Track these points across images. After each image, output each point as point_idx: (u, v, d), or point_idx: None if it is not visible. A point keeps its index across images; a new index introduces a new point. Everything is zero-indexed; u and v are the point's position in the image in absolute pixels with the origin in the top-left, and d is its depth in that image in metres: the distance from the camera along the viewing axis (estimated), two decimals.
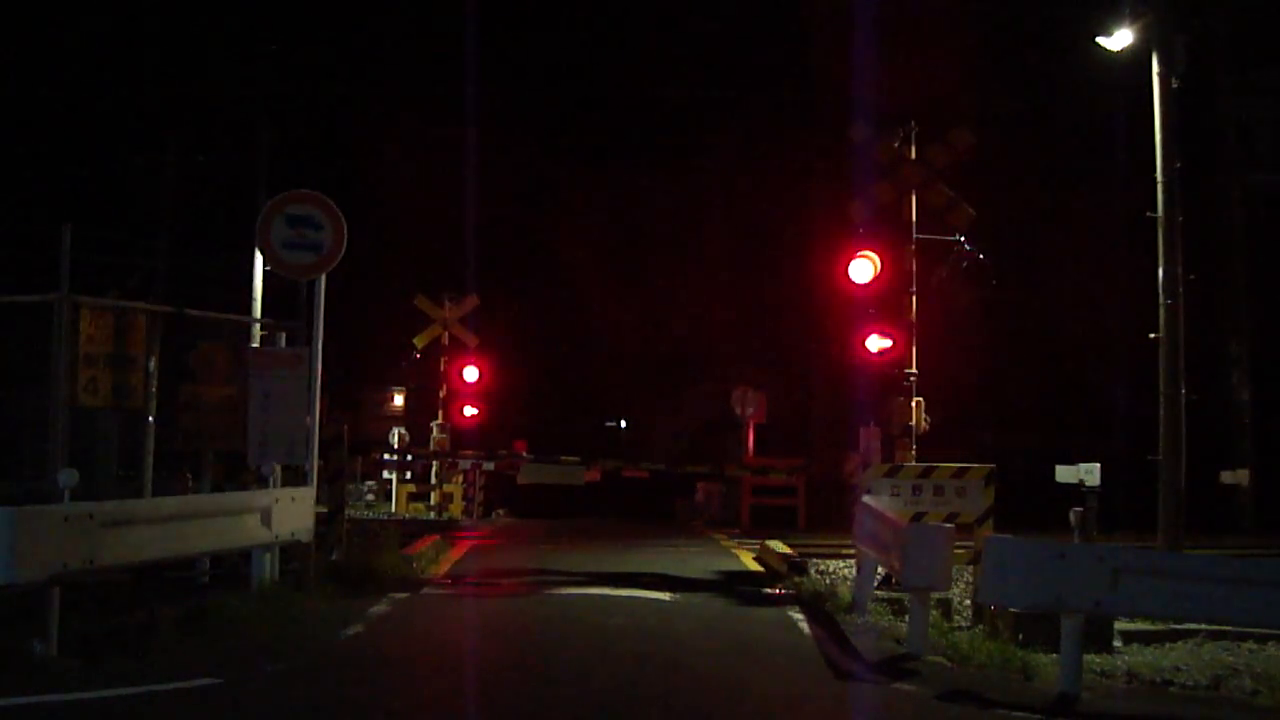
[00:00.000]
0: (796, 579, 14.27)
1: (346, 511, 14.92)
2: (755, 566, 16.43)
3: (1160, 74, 14.09)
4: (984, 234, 16.66)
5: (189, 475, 12.95)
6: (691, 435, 34.57)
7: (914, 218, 15.65)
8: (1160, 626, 10.96)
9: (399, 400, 33.38)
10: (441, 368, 27.97)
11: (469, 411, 28.77)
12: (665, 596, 13.27)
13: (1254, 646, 10.80)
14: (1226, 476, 21.73)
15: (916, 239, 15.64)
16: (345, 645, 10.05)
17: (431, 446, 25.81)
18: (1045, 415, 25.28)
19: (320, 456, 12.97)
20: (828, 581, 14.03)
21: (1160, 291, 13.96)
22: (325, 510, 13.56)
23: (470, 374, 28.02)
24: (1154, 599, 9.03)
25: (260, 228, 12.82)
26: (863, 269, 15.22)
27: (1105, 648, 10.33)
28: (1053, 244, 26.29)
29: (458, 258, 30.35)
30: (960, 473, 13.17)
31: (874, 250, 14.98)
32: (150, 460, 12.33)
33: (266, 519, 11.54)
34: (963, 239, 15.82)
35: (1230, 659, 10.32)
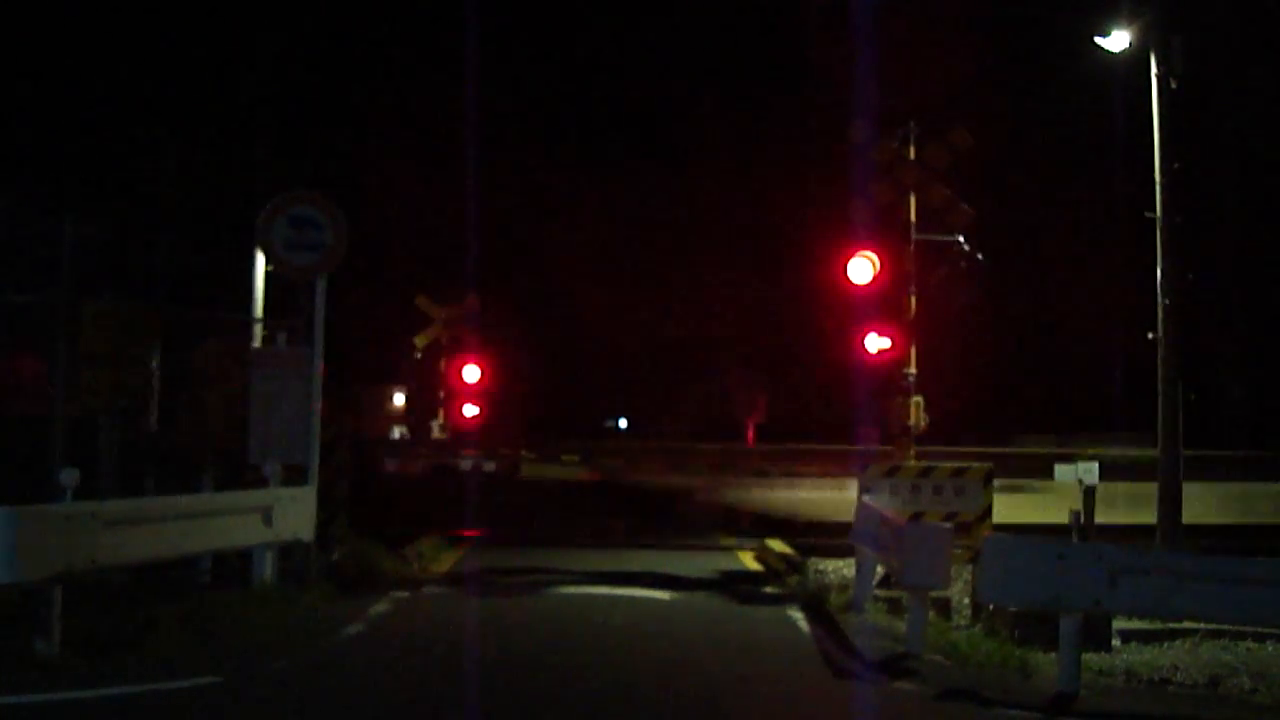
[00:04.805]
0: (795, 578, 14.29)
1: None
2: (755, 566, 16.46)
3: (1159, 75, 14.12)
4: (983, 234, 16.70)
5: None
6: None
7: (913, 218, 15.68)
8: (1158, 625, 10.99)
9: (399, 400, 33.42)
10: (441, 367, 27.95)
11: (469, 411, 28.77)
12: (665, 595, 13.30)
13: (1252, 645, 10.84)
14: None
15: (915, 239, 15.67)
16: (346, 644, 10.07)
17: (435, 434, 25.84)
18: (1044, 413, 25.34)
19: (321, 456, 12.97)
20: (827, 581, 14.05)
21: (1159, 291, 13.99)
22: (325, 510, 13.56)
23: (471, 374, 27.82)
24: (1152, 598, 9.06)
25: (262, 228, 12.84)
26: (861, 268, 15.24)
27: (1104, 646, 10.35)
28: (1051, 244, 26.36)
29: (458, 258, 30.41)
30: (959, 472, 13.20)
31: (873, 250, 15.00)
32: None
33: (268, 518, 11.55)
34: (962, 239, 15.84)
35: (1228, 658, 10.35)
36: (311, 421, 12.54)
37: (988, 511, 12.92)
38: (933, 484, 13.04)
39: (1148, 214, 14.19)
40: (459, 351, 27.89)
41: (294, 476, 12.48)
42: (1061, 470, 14.81)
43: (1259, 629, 10.71)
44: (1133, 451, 19.62)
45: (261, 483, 12.21)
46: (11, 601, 9.07)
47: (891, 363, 15.72)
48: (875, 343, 15.94)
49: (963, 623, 11.68)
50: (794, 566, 15.05)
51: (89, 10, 23.61)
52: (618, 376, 37.81)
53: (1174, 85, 14.12)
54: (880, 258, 15.18)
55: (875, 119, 16.45)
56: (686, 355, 35.62)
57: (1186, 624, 10.76)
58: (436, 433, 27.02)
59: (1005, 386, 25.14)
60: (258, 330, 13.43)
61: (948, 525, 11.46)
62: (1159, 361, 14.08)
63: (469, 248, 31.60)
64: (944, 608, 11.74)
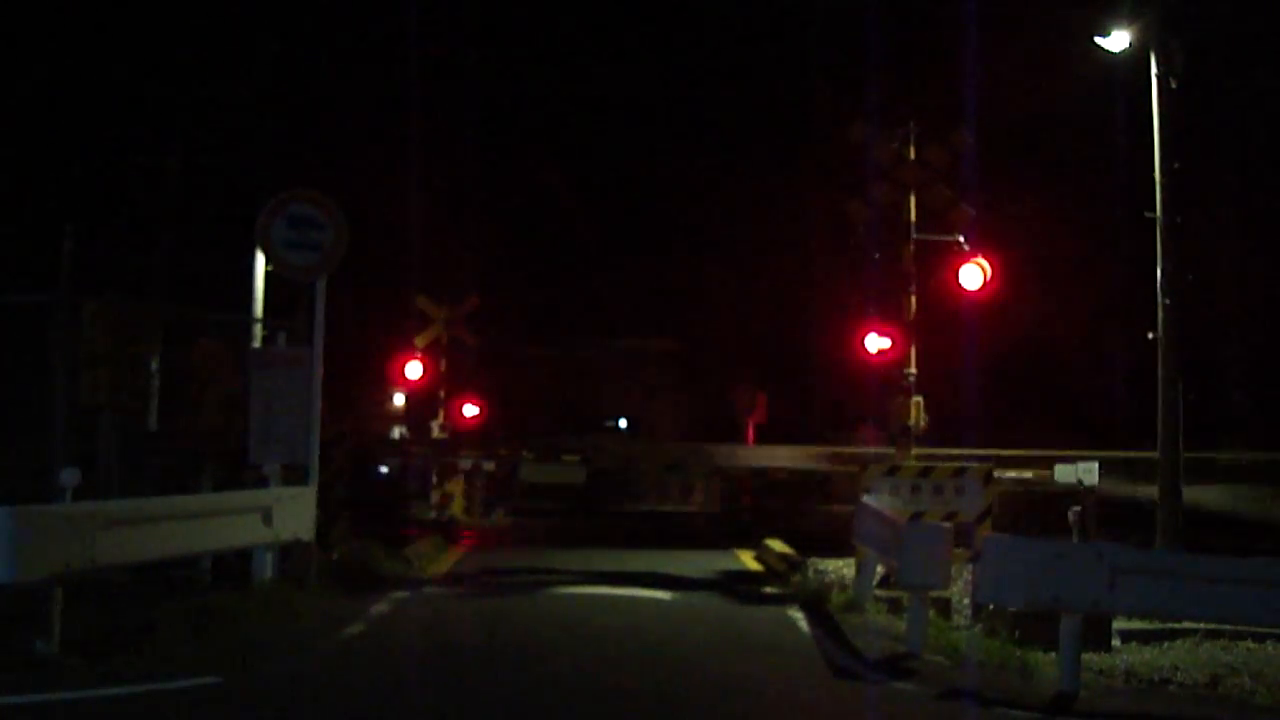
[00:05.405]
0: (796, 578, 14.30)
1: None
2: (755, 566, 16.47)
3: (1159, 75, 14.13)
4: (984, 234, 16.69)
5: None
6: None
7: (913, 218, 15.68)
8: (1158, 625, 10.99)
9: (399, 400, 33.36)
10: (444, 368, 27.72)
11: (469, 411, 28.69)
12: (665, 596, 13.30)
13: (1252, 645, 10.84)
14: None
15: (915, 239, 15.67)
16: (346, 644, 10.07)
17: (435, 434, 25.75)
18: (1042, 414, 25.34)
19: (320, 456, 12.97)
20: (827, 581, 14.05)
21: (1159, 291, 13.99)
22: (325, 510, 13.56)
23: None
24: (1152, 598, 9.05)
25: (262, 228, 12.84)
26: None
27: (1104, 647, 10.35)
28: (1051, 244, 26.34)
29: (458, 258, 30.36)
30: (959, 472, 13.20)
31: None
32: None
33: (268, 518, 11.55)
34: (962, 239, 15.83)
35: (1228, 658, 10.35)
36: (311, 421, 12.55)
37: (988, 511, 12.91)
38: (933, 484, 13.04)
39: (1148, 214, 14.19)
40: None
41: (294, 476, 12.49)
42: (1062, 470, 14.81)
43: (1259, 629, 10.71)
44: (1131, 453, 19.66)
45: (261, 483, 12.22)
46: (11, 601, 9.07)
47: (891, 363, 15.73)
48: (875, 343, 15.95)
49: (963, 623, 11.68)
50: (794, 566, 15.06)
51: (89, 11, 23.63)
52: (618, 376, 37.75)
53: (1174, 85, 14.13)
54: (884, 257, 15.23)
55: (875, 119, 16.45)
56: (686, 355, 35.59)
57: (1186, 624, 10.76)
58: (436, 433, 26.93)
59: (1005, 387, 25.12)
60: (258, 330, 13.43)
61: (948, 525, 11.47)
62: (1159, 361, 14.08)
63: (470, 247, 31.61)
64: (944, 608, 11.74)
